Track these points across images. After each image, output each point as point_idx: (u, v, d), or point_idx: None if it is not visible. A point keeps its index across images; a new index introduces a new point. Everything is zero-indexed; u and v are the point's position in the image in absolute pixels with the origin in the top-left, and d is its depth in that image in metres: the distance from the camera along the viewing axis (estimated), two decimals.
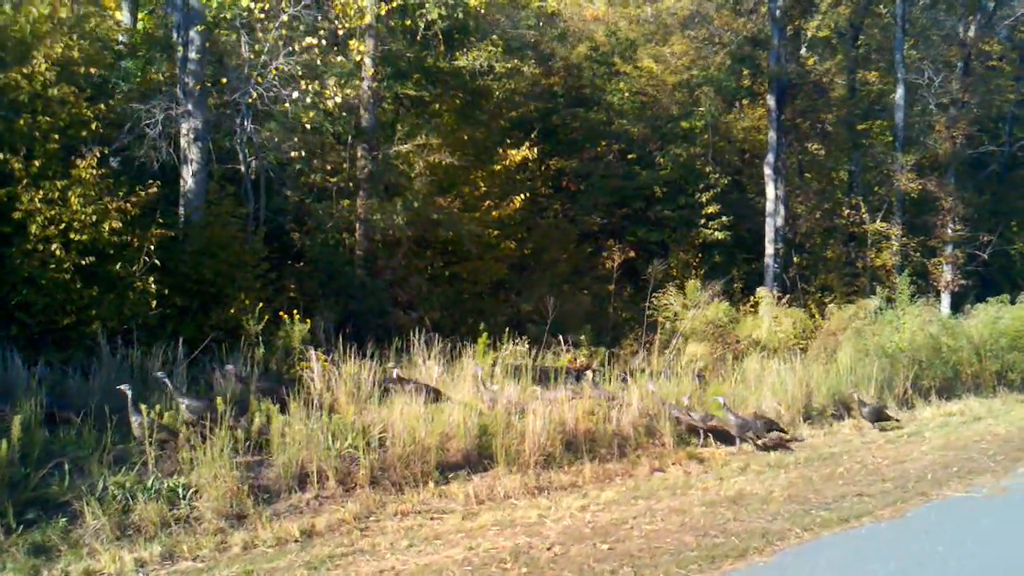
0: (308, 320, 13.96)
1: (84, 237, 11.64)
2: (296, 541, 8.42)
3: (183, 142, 14.49)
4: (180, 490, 8.91)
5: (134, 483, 8.80)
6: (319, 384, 11.70)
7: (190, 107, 14.49)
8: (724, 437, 13.17)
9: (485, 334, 14.86)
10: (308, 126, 14.54)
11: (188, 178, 14.51)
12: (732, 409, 13.22)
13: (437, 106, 18.76)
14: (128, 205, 11.84)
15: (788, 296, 21.74)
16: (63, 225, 11.55)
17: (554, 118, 23.74)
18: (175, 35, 14.83)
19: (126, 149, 13.89)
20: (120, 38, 15.85)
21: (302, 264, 15.96)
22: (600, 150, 24.03)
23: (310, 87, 14.32)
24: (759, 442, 12.94)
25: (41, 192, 11.46)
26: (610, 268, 20.09)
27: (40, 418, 9.27)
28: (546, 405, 11.72)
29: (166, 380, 10.32)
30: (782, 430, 13.51)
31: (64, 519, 8.17)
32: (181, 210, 14.03)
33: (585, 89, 25.23)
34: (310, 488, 9.57)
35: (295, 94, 13.93)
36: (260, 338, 12.84)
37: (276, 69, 14.16)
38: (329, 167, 17.38)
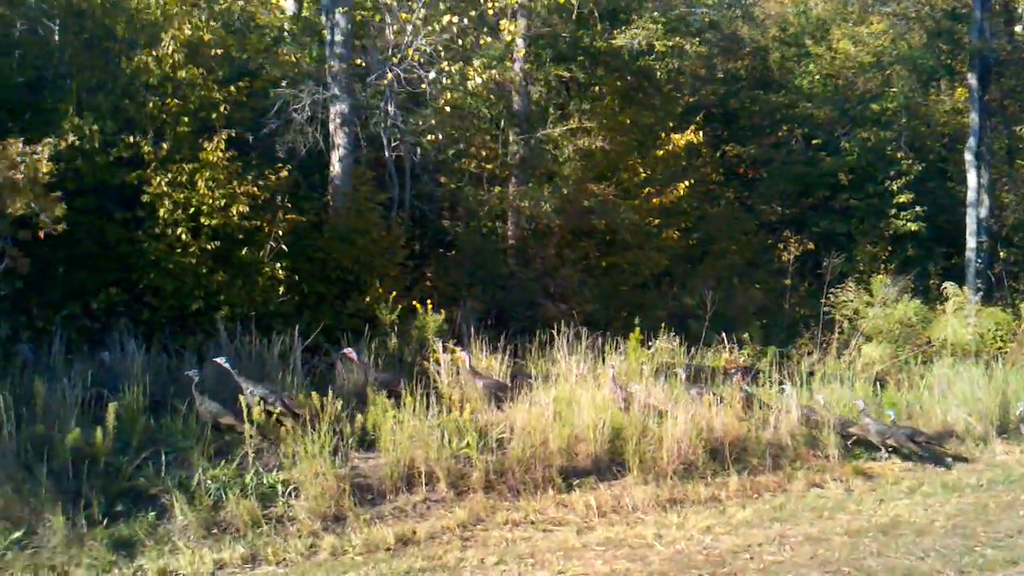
0: (447, 311, 13.40)
1: (213, 221, 11.39)
2: (388, 549, 7.76)
3: (331, 127, 14.18)
4: (279, 487, 8.42)
5: (232, 477, 8.38)
6: (445, 378, 11.05)
7: (336, 91, 14.15)
8: (897, 451, 11.71)
9: (637, 329, 13.83)
10: (448, 108, 13.90)
11: (336, 164, 14.18)
12: (869, 414, 11.77)
13: (597, 88, 17.80)
14: (256, 189, 11.48)
15: (993, 295, 19.64)
16: (192, 209, 11.35)
17: (732, 101, 22.33)
18: (323, 18, 14.51)
19: (275, 134, 13.67)
20: (284, 25, 15.69)
21: (452, 252, 15.38)
22: (781, 135, 22.43)
23: (451, 68, 13.72)
24: (903, 449, 11.52)
25: (169, 175, 11.28)
26: (786, 261, 18.59)
27: (143, 405, 8.96)
28: (689, 408, 10.66)
29: (227, 366, 9.76)
30: (930, 440, 11.89)
31: (153, 513, 7.79)
32: (329, 196, 13.66)
33: (772, 72, 23.67)
34: (418, 490, 8.89)
35: (431, 74, 13.32)
36: (395, 328, 12.33)
37: (414, 50, 13.60)
38: (484, 153, 16.75)
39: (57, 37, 11.94)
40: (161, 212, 11.21)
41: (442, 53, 14.21)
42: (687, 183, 17.45)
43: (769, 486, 10.26)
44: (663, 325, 14.27)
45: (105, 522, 7.56)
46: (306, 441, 8.64)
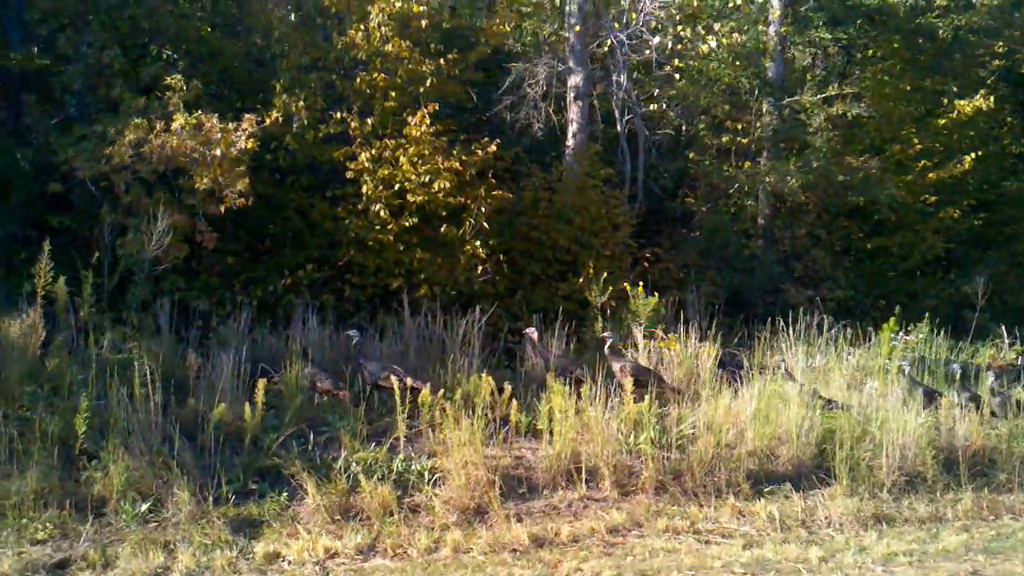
0: (677, 295, 12.50)
1: (417, 198, 11.14)
2: (515, 551, 7.01)
3: (567, 101, 13.65)
4: (426, 474, 7.93)
5: (378, 460, 7.97)
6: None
7: (571, 64, 13.58)
8: None
9: (892, 319, 12.20)
10: (677, 76, 12.87)
11: (570, 138, 13.63)
12: None
13: (872, 52, 15.95)
14: (456, 164, 11.08)
15: None
16: (397, 186, 11.15)
17: None
18: None
19: (513, 109, 13.32)
20: None
21: (686, 231, 14.33)
22: None
23: (684, 32, 12.70)
24: None
25: (373, 151, 11.13)
26: None
27: (303, 383, 8.79)
28: (919, 411, 9.12)
29: (358, 337, 9.37)
30: None
31: (285, 494, 7.53)
32: (557, 173, 13.07)
33: None
34: (578, 487, 8.09)
35: (655, 40, 12.35)
36: (608, 311, 11.58)
37: (645, 15, 12.69)
38: (734, 124, 15.50)
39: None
40: (364, 188, 11.10)
41: (678, 17, 13.21)
42: (973, 156, 15.21)
43: (1015, 507, 8.52)
44: (927, 315, 12.50)
45: (233, 500, 7.38)
46: (450, 426, 8.05)
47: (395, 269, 11.17)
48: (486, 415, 8.44)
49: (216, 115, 9.87)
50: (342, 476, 7.63)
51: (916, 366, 11.05)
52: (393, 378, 8.37)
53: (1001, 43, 17.59)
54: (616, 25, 13.05)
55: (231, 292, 10.74)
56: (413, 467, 7.99)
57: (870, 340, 11.79)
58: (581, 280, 11.88)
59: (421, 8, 11.55)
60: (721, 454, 8.46)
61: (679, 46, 12.85)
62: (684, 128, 14.60)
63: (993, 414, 9.66)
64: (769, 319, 11.42)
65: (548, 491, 8.04)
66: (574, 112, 13.69)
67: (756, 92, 14.91)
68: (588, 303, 11.71)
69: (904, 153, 15.51)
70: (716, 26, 13.32)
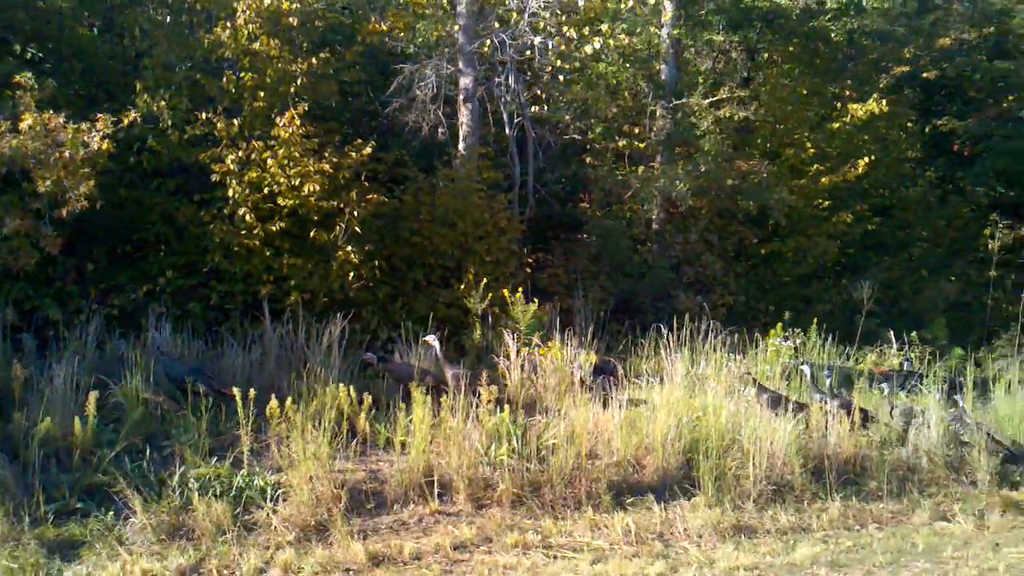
0: (564, 302, 12.28)
1: (287, 201, 10.73)
2: (348, 570, 6.68)
3: (459, 102, 13.34)
4: (269, 490, 7.55)
5: (224, 475, 7.57)
6: (514, 376, 9.86)
7: (461, 65, 13.27)
8: None
9: (780, 325, 12.08)
10: (561, 78, 12.67)
11: (461, 142, 13.32)
12: None
13: (767, 55, 15.89)
14: (327, 166, 10.69)
15: None
16: (266, 189, 10.74)
17: (947, 68, 19.32)
18: None
19: (403, 111, 12.96)
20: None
21: (579, 236, 14.09)
22: (1007, 105, 19.33)
23: (569, 32, 12.48)
24: None
25: (240, 153, 10.71)
26: (992, 250, 15.89)
27: (141, 395, 8.34)
28: (791, 419, 8.95)
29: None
30: None
31: (112, 513, 7.09)
32: (437, 178, 12.70)
33: (1008, 35, 20.47)
34: (430, 501, 7.76)
35: (536, 39, 12.12)
36: (488, 319, 11.29)
37: (529, 14, 12.44)
38: (637, 129, 15.29)
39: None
40: (230, 192, 10.67)
41: (562, 18, 12.98)
42: (867, 160, 15.18)
43: (881, 516, 8.39)
44: (816, 321, 12.38)
45: (54, 520, 6.93)
46: (297, 439, 7.70)
47: (264, 275, 10.73)
48: (340, 427, 8.15)
49: (63, 115, 9.35)
50: (175, 493, 7.23)
51: (797, 372, 10.91)
52: (201, 386, 8.04)
53: (908, 49, 17.70)
54: (497, 24, 12.75)
55: (87, 300, 10.22)
56: (256, 482, 7.61)
57: (757, 347, 11.64)
58: (463, 286, 11.55)
59: (292, 5, 11.12)
60: (583, 465, 8.19)
61: (563, 47, 12.58)
62: (574, 131, 14.33)
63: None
64: (656, 326, 11.19)
65: (399, 506, 7.74)
66: (464, 115, 13.40)
67: (650, 95, 14.72)
68: (469, 310, 11.39)
69: (798, 157, 15.47)
70: (603, 27, 13.07)
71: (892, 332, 13.05)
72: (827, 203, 15.32)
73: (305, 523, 7.24)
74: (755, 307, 14.12)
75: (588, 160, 14.97)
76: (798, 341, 11.57)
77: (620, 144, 15.29)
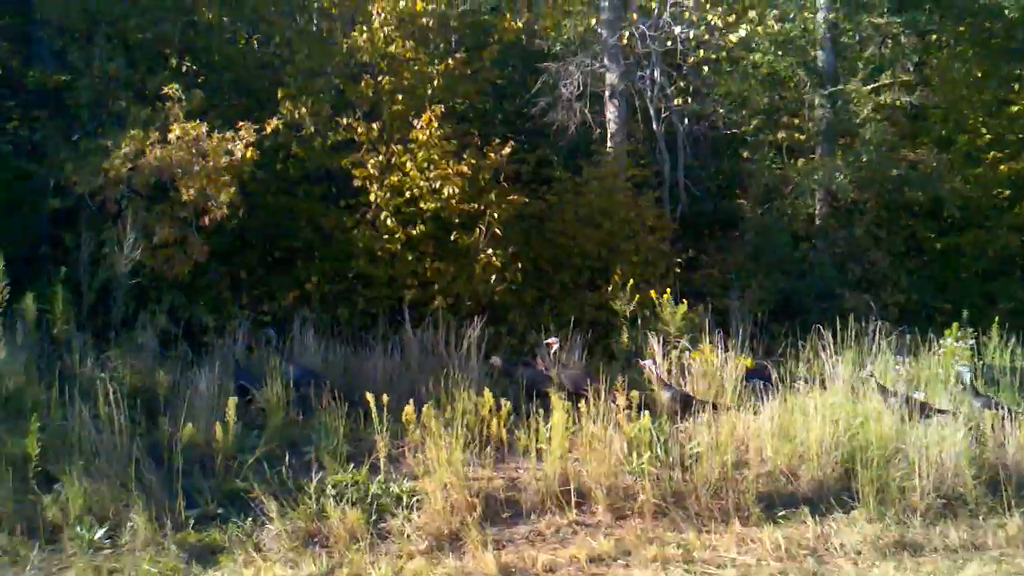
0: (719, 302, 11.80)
1: (431, 205, 10.66)
2: None
3: (605, 98, 13.09)
4: (404, 497, 7.41)
5: (362, 482, 7.50)
6: (655, 381, 9.45)
7: (606, 60, 13.00)
8: None
9: (955, 324, 11.19)
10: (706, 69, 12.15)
11: (608, 139, 13.06)
12: None
13: (935, 36, 14.88)
14: (466, 168, 10.54)
15: None
16: (407, 193, 10.70)
17: None
18: None
19: (549, 110, 12.79)
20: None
21: (737, 234, 13.53)
22: None
23: (716, 21, 11.99)
24: None
25: (380, 157, 10.70)
26: None
27: (285, 400, 8.36)
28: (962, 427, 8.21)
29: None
30: None
31: (250, 519, 7.09)
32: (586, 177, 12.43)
33: None
34: (568, 511, 7.46)
35: (678, 29, 11.67)
36: (639, 320, 10.92)
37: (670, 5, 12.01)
38: (796, 120, 14.59)
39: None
40: (372, 196, 10.68)
41: (706, 6, 12.50)
42: None
43: None
44: (996, 321, 11.42)
45: (195, 526, 6.98)
46: (434, 445, 7.52)
47: (408, 280, 10.69)
48: (480, 433, 7.95)
49: (205, 125, 9.56)
50: (311, 500, 7.18)
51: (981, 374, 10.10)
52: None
53: None
54: (633, 16, 12.35)
55: (240, 307, 10.41)
56: (392, 489, 7.48)
57: (931, 348, 10.83)
58: (610, 288, 11.22)
59: (428, 6, 11.05)
60: (730, 474, 7.72)
61: (707, 37, 12.09)
62: (726, 124, 13.74)
63: None
64: (818, 326, 10.54)
65: (536, 515, 7.44)
66: (611, 111, 13.11)
67: (807, 83, 13.99)
68: (617, 312, 11.05)
69: (973, 144, 14.39)
70: (751, 14, 12.51)
71: None
72: (1007, 192, 14.19)
73: (439, 532, 7.05)
74: (931, 306, 13.16)
75: (744, 154, 14.38)
76: (970, 342, 10.63)
77: (779, 136, 14.62)
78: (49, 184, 10.34)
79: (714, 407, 8.63)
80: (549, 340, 9.64)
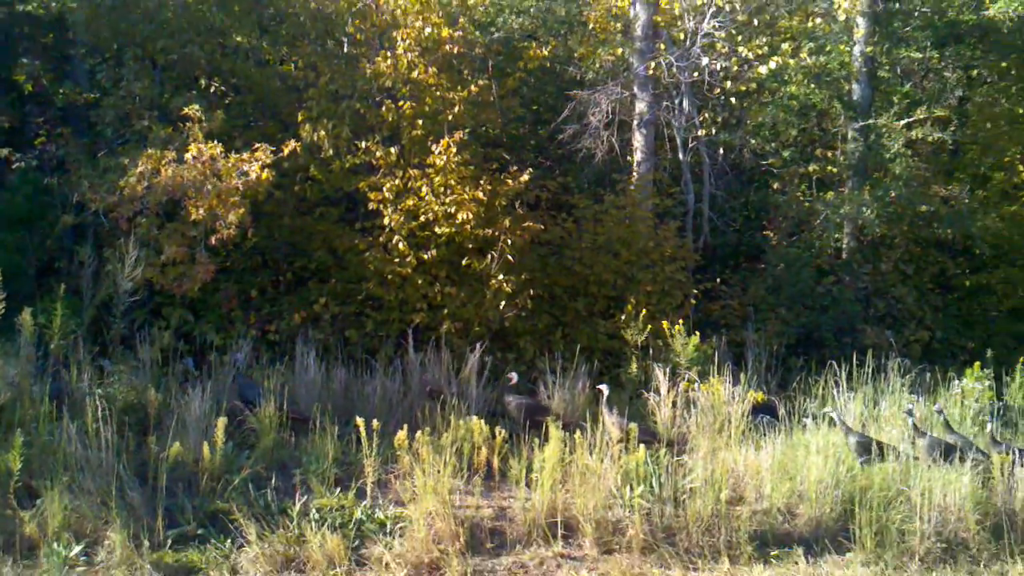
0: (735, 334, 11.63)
1: (445, 230, 10.64)
2: None
3: (633, 127, 13.00)
4: (388, 523, 7.35)
5: (348, 506, 7.46)
6: (664, 414, 9.30)
7: (636, 90, 12.91)
8: None
9: (978, 364, 10.86)
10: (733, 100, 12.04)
11: (634, 168, 12.96)
12: None
13: (975, 72, 14.58)
14: (480, 194, 10.51)
15: None
16: (422, 217, 10.69)
17: None
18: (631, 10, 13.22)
19: (574, 139, 12.73)
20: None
21: (761, 265, 13.32)
22: None
23: (747, 53, 11.87)
24: None
25: (398, 181, 10.71)
26: None
27: (276, 422, 8.33)
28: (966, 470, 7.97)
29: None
30: None
31: (229, 541, 7.07)
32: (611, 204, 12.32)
33: None
34: (555, 543, 7.34)
35: (705, 60, 11.57)
36: (651, 351, 10.77)
37: (702, 35, 11.91)
38: (828, 153, 14.37)
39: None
40: (386, 220, 10.69)
41: (738, 39, 12.38)
42: None
43: None
44: (1021, 361, 11.09)
45: (173, 546, 6.97)
46: (422, 471, 7.45)
47: (418, 304, 10.66)
48: (473, 461, 7.89)
49: (220, 145, 9.66)
50: (292, 523, 7.15)
51: (996, 416, 9.81)
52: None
53: None
54: (662, 47, 12.25)
55: (247, 326, 10.45)
56: (376, 515, 7.46)
57: (950, 387, 10.54)
58: (623, 317, 11.09)
59: (454, 34, 11.06)
60: (723, 511, 7.55)
61: (736, 68, 11.98)
62: (753, 155, 13.56)
63: None
64: (833, 363, 10.31)
65: (521, 547, 7.35)
66: (638, 140, 13.00)
67: (841, 116, 13.78)
68: (628, 342, 10.92)
69: (1009, 182, 14.05)
70: (784, 46, 12.36)
71: None
72: None
73: (418, 561, 7.00)
74: (955, 344, 12.83)
75: (775, 185, 14.19)
76: (987, 382, 10.31)
77: (810, 169, 14.40)
78: (69, 200, 10.49)
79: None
80: (510, 374, 9.52)
